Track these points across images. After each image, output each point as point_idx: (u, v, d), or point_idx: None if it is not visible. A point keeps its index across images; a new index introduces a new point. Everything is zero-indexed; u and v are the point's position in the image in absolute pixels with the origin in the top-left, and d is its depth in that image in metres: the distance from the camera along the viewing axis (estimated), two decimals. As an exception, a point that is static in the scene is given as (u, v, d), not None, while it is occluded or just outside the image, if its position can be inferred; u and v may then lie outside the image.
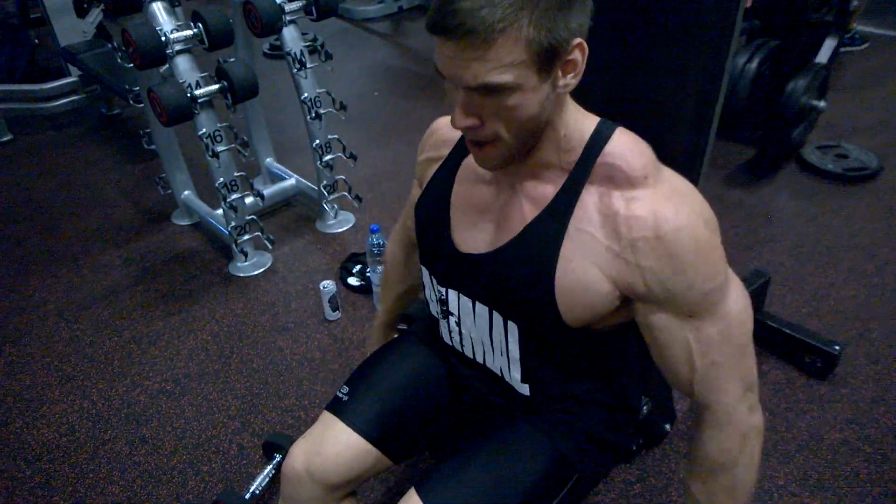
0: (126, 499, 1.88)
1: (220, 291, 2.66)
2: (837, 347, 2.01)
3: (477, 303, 1.09)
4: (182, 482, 1.91)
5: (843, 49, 4.27)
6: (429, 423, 1.28)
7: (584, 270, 0.95)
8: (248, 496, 1.80)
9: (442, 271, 1.14)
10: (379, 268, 2.37)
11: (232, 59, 2.44)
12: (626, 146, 0.96)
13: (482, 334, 1.12)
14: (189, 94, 2.31)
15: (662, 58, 1.28)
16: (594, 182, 0.95)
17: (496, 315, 1.07)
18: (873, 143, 3.24)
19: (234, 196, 2.55)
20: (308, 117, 2.73)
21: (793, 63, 2.94)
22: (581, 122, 0.98)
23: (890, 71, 4.13)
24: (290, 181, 3.16)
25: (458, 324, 1.16)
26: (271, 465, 1.88)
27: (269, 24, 2.48)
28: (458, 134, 1.15)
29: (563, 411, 1.15)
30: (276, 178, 3.24)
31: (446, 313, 1.17)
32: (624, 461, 1.81)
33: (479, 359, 1.17)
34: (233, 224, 2.62)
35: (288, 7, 2.58)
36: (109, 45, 3.88)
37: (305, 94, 2.69)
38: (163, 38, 2.28)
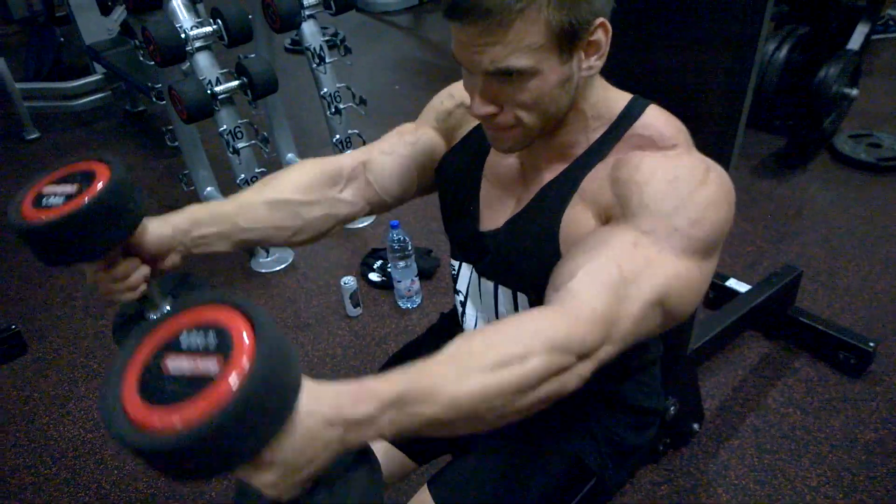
0: (150, 495, 1.89)
1: (241, 287, 2.66)
2: (872, 344, 1.96)
3: (482, 279, 1.07)
4: (205, 480, 1.91)
5: (875, 35, 4.17)
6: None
7: (586, 222, 0.91)
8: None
9: (458, 243, 1.12)
10: (400, 263, 2.35)
11: (252, 55, 2.44)
12: (659, 119, 0.92)
13: (489, 314, 1.10)
14: (209, 91, 2.31)
15: (692, 46, 1.25)
16: (619, 150, 0.91)
17: (502, 290, 1.04)
18: (908, 131, 3.16)
19: (256, 192, 2.54)
20: (328, 112, 2.71)
21: (824, 50, 2.87)
22: (610, 100, 0.94)
23: (925, 57, 4.03)
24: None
25: (464, 304, 1.14)
26: (293, 464, 1.87)
27: (288, 20, 2.47)
28: None
29: (581, 411, 1.12)
30: (297, 173, 3.22)
31: (456, 291, 1.15)
32: (650, 462, 1.77)
33: None
34: (254, 220, 2.61)
35: (307, 2, 2.56)
36: (132, 43, 3.90)
37: (325, 89, 2.67)
38: (182, 36, 2.28)
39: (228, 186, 3.03)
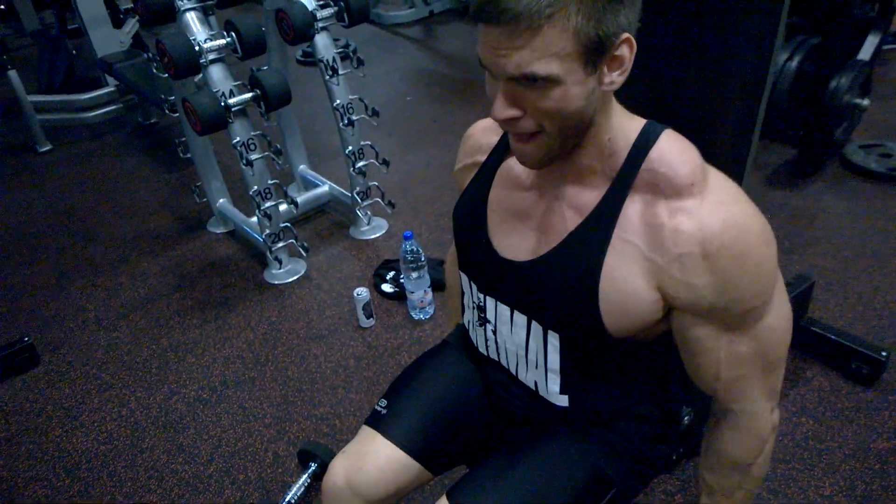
0: (164, 507, 1.90)
1: (255, 299, 2.67)
2: (885, 353, 1.95)
3: (515, 311, 1.07)
4: (218, 490, 1.92)
5: (887, 46, 4.16)
6: (468, 435, 1.26)
7: (628, 280, 0.92)
8: (283, 505, 1.80)
9: (482, 278, 1.12)
10: (413, 274, 2.35)
11: (265, 67, 2.46)
12: (672, 152, 0.92)
13: (518, 345, 1.10)
14: (223, 103, 2.33)
15: (705, 57, 1.25)
16: (638, 190, 0.92)
17: (535, 325, 1.05)
18: (919, 141, 3.15)
19: (269, 204, 2.56)
20: (341, 124, 2.73)
21: (835, 60, 2.86)
22: (626, 126, 0.94)
23: (936, 67, 4.01)
24: (324, 188, 3.17)
25: (495, 332, 1.14)
26: (307, 474, 1.88)
27: (302, 32, 2.49)
28: (493, 139, 1.13)
29: (603, 426, 1.12)
30: (309, 185, 3.24)
31: (483, 321, 1.15)
32: (665, 471, 1.77)
33: (513, 370, 1.15)
34: (267, 232, 2.63)
35: (320, 14, 2.58)
36: (145, 55, 3.94)
37: (338, 101, 2.69)
38: (196, 48, 2.30)
39: (241, 198, 3.06)
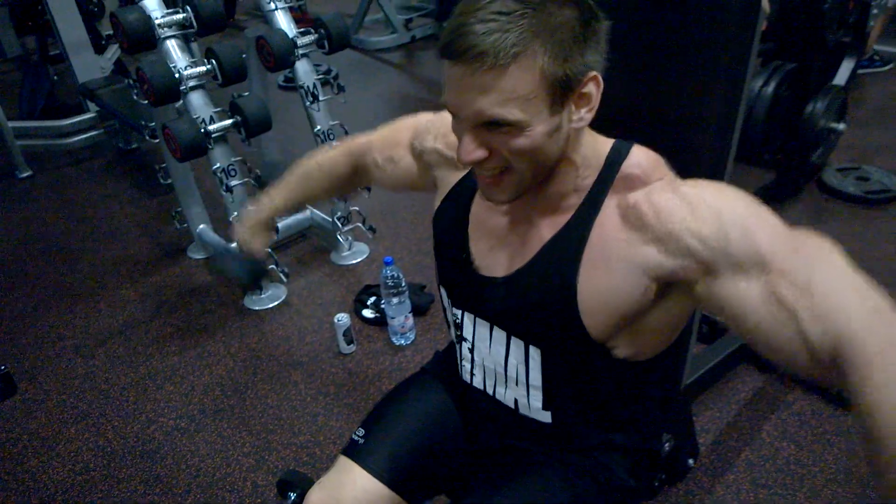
0: (140, 540, 1.86)
1: (235, 325, 2.65)
2: (865, 376, 1.96)
3: (495, 328, 1.06)
4: (196, 522, 1.89)
5: (865, 70, 4.24)
6: (446, 465, 1.25)
7: (609, 274, 0.91)
8: (262, 537, 1.77)
9: (458, 293, 1.12)
10: (394, 299, 2.35)
11: (246, 94, 2.46)
12: (645, 159, 0.94)
13: (497, 363, 1.09)
14: (203, 130, 2.33)
15: (679, 83, 1.26)
16: (614, 195, 0.93)
17: (515, 340, 1.04)
18: (895, 164, 3.19)
19: (249, 229, 2.54)
20: (322, 149, 2.73)
21: (810, 85, 2.91)
22: (597, 145, 0.96)
23: (911, 92, 4.09)
24: (305, 213, 3.16)
25: (472, 350, 1.13)
26: (286, 505, 1.85)
27: (282, 59, 2.50)
28: None
29: (584, 455, 1.12)
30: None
31: (460, 338, 1.15)
32: (646, 499, 1.76)
33: (490, 391, 1.14)
34: (247, 257, 2.61)
35: (300, 41, 2.60)
36: (126, 81, 3.94)
37: (318, 127, 2.70)
38: (176, 75, 2.30)
39: (221, 224, 3.04)
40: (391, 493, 1.18)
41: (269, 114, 2.42)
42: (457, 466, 1.26)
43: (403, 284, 2.35)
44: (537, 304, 0.98)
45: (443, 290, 1.17)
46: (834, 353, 0.75)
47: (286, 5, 2.70)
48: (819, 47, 2.88)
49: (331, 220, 2.94)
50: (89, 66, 4.19)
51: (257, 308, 2.73)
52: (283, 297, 2.77)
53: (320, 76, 2.71)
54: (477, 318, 1.09)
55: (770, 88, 2.84)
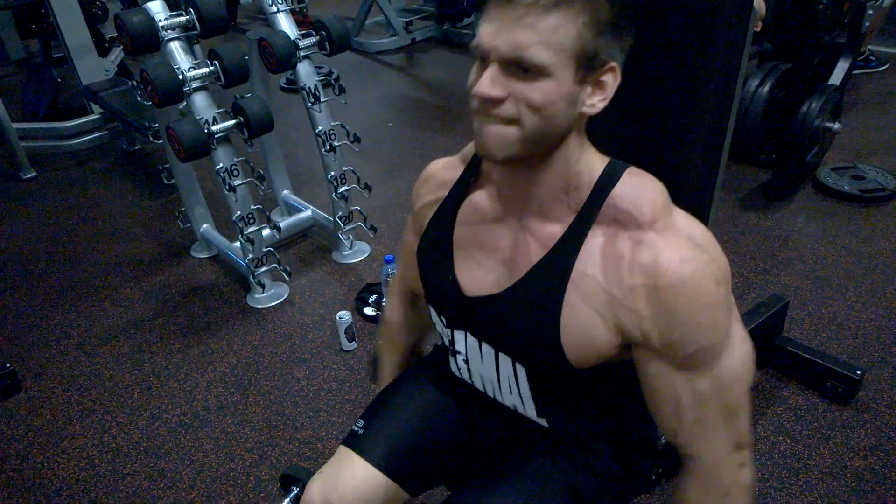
0: (145, 533, 1.89)
1: (238, 323, 2.68)
2: (859, 372, 1.99)
3: (483, 343, 1.08)
4: (200, 516, 1.92)
5: (860, 70, 4.27)
6: (445, 455, 1.27)
7: (588, 315, 0.93)
8: (265, 529, 1.79)
9: (450, 313, 1.13)
10: (395, 298, 2.37)
11: (248, 95, 2.49)
12: (635, 188, 0.93)
13: (490, 373, 1.11)
14: (206, 130, 2.35)
15: (672, 83, 1.28)
16: (601, 224, 0.93)
17: (503, 356, 1.06)
18: (890, 163, 3.23)
19: (252, 229, 2.58)
20: (323, 150, 2.76)
21: (805, 85, 2.94)
22: (592, 162, 0.95)
23: (906, 91, 4.12)
24: (307, 213, 3.19)
25: (467, 362, 1.15)
26: (288, 499, 1.87)
27: (284, 61, 2.53)
28: (454, 175, 1.12)
29: (580, 447, 1.14)
30: (292, 209, 3.27)
31: (454, 352, 1.17)
32: (643, 491, 1.78)
33: (491, 394, 1.16)
34: (250, 256, 2.65)
35: (302, 43, 2.62)
36: (130, 83, 3.97)
37: (320, 128, 2.72)
38: (180, 77, 2.33)
39: (224, 223, 3.07)
40: (390, 482, 1.20)
41: (272, 114, 2.45)
42: (456, 456, 1.28)
43: (404, 282, 2.37)
44: (521, 326, 0.99)
45: (432, 309, 1.18)
46: (687, 454, 0.99)
47: (287, 8, 2.73)
48: (814, 47, 2.91)
49: (332, 219, 2.97)
50: (93, 68, 4.23)
51: (260, 307, 2.76)
52: (286, 296, 2.80)
53: (321, 78, 2.74)
54: (468, 334, 1.10)
55: (766, 88, 2.87)
